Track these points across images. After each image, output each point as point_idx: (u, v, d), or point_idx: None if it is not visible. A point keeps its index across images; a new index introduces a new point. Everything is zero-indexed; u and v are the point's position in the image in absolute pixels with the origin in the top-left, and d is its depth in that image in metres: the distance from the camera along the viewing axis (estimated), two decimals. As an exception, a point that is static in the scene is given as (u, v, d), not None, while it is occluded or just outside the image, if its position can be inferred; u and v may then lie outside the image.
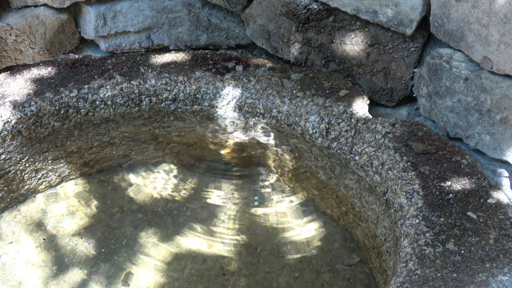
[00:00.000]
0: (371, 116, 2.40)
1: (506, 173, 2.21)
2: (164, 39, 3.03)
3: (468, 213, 1.93)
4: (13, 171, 2.33)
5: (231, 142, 2.56)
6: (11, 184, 2.30)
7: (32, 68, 2.59)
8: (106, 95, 2.53)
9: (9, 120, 2.35)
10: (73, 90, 2.50)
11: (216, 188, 2.38)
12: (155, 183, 2.39)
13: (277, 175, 2.44)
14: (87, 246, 2.12)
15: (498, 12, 2.03)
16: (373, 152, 2.26)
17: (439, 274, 1.71)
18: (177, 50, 2.98)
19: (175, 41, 3.04)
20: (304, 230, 2.23)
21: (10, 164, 2.33)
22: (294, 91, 2.53)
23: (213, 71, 2.65)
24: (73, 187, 2.36)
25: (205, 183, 2.40)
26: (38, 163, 2.38)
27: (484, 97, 2.21)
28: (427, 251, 1.79)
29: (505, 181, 2.20)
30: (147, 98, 2.59)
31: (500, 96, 2.15)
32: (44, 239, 2.14)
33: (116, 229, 2.20)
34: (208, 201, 2.33)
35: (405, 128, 2.31)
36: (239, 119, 2.59)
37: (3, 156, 2.33)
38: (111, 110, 2.56)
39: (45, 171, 2.37)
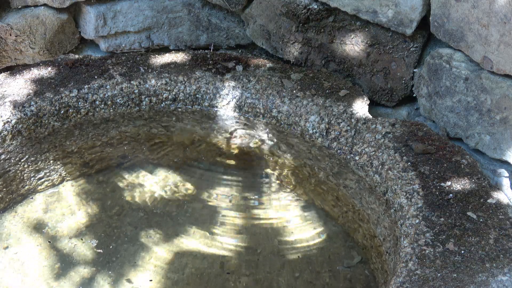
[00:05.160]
0: (371, 116, 2.40)
1: (506, 173, 2.21)
2: (164, 39, 3.03)
3: (468, 213, 1.93)
4: (13, 171, 2.33)
5: (231, 142, 2.56)
6: (11, 184, 2.30)
7: (32, 68, 2.59)
8: (106, 95, 2.53)
9: (9, 120, 2.35)
10: (73, 90, 2.50)
11: (216, 188, 2.38)
12: (155, 183, 2.39)
13: (277, 175, 2.44)
14: (87, 246, 2.12)
15: (498, 12, 2.03)
16: (373, 152, 2.26)
17: (439, 274, 1.71)
18: (177, 50, 2.98)
19: (175, 41, 3.04)
20: (304, 230, 2.23)
21: (10, 164, 2.33)
22: (294, 91, 2.53)
23: (213, 71, 2.65)
24: (73, 187, 2.36)
25: (205, 183, 2.40)
26: (38, 163, 2.38)
27: (484, 97, 2.21)
28: (427, 251, 1.79)
29: (505, 181, 2.20)
30: (147, 98, 2.59)
31: (500, 96, 2.15)
32: (46, 240, 2.14)
33: (116, 229, 2.20)
34: (208, 201, 2.33)
35: (405, 128, 2.31)
36: (239, 119, 2.60)
37: (3, 156, 2.33)
38: (111, 110, 2.56)
39: (45, 171, 2.37)
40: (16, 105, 2.39)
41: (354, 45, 2.59)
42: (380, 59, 2.55)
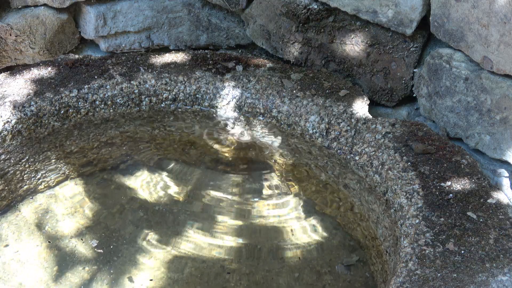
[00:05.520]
0: (371, 116, 2.40)
1: (506, 173, 2.21)
2: (164, 39, 3.03)
3: (468, 213, 1.93)
4: (13, 171, 2.33)
5: (231, 142, 2.56)
6: (11, 184, 2.30)
7: (32, 68, 2.59)
8: (106, 95, 2.53)
9: (9, 120, 2.35)
10: (73, 90, 2.50)
11: (216, 188, 2.38)
12: (155, 183, 2.39)
13: (277, 175, 2.44)
14: (88, 246, 2.12)
15: (498, 12, 2.03)
16: (373, 152, 2.26)
17: (439, 274, 1.71)
18: (177, 50, 2.98)
19: (175, 41, 3.04)
20: (303, 230, 2.23)
21: (10, 164, 2.33)
22: (294, 91, 2.53)
23: (213, 71, 2.65)
24: (73, 187, 2.36)
25: (205, 183, 2.40)
26: (38, 163, 2.38)
27: (484, 97, 2.21)
28: (427, 251, 1.79)
29: (505, 181, 2.20)
30: (147, 98, 2.59)
31: (500, 96, 2.15)
32: (46, 240, 2.14)
33: (117, 229, 2.20)
34: (208, 201, 2.33)
35: (405, 128, 2.31)
36: (239, 119, 2.60)
37: (3, 156, 2.33)
38: (111, 110, 2.56)
39: (45, 171, 2.37)
40: (16, 105, 2.39)
41: (354, 45, 2.59)
42: (380, 59, 2.55)
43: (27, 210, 2.24)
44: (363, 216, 2.23)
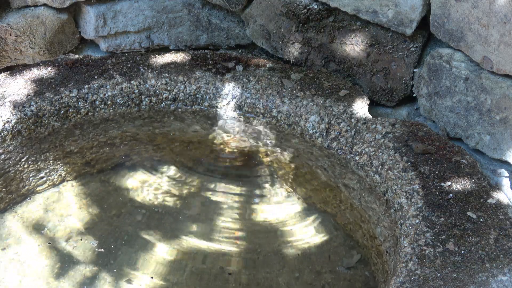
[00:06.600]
0: (371, 116, 2.40)
1: (506, 173, 2.21)
2: (164, 39, 3.03)
3: (468, 213, 1.93)
4: (13, 171, 2.33)
5: (231, 142, 2.56)
6: (11, 184, 2.30)
7: (32, 68, 2.59)
8: (106, 95, 2.54)
9: (9, 120, 2.35)
10: (73, 90, 2.50)
11: (216, 188, 2.38)
12: (155, 183, 2.39)
13: (277, 175, 2.44)
14: (87, 246, 2.12)
15: (498, 12, 2.03)
16: (373, 152, 2.26)
17: (439, 274, 1.71)
18: (177, 50, 2.98)
19: (175, 41, 3.04)
20: (303, 230, 2.23)
21: (10, 164, 2.33)
22: (294, 91, 2.53)
23: (213, 71, 2.65)
24: (73, 187, 2.36)
25: (205, 183, 2.40)
26: (38, 163, 2.38)
27: (484, 97, 2.21)
28: (427, 251, 1.79)
29: (505, 181, 2.20)
30: (147, 98, 2.59)
31: (500, 96, 2.15)
32: (46, 240, 2.14)
33: (116, 229, 2.20)
34: (208, 201, 2.33)
35: (405, 128, 2.31)
36: (239, 119, 2.60)
37: (3, 156, 2.33)
38: (111, 110, 2.56)
39: (45, 171, 2.37)
40: (16, 105, 2.39)
41: (354, 45, 2.59)
42: (380, 59, 2.55)
43: (27, 210, 2.24)
44: (363, 216, 2.23)
